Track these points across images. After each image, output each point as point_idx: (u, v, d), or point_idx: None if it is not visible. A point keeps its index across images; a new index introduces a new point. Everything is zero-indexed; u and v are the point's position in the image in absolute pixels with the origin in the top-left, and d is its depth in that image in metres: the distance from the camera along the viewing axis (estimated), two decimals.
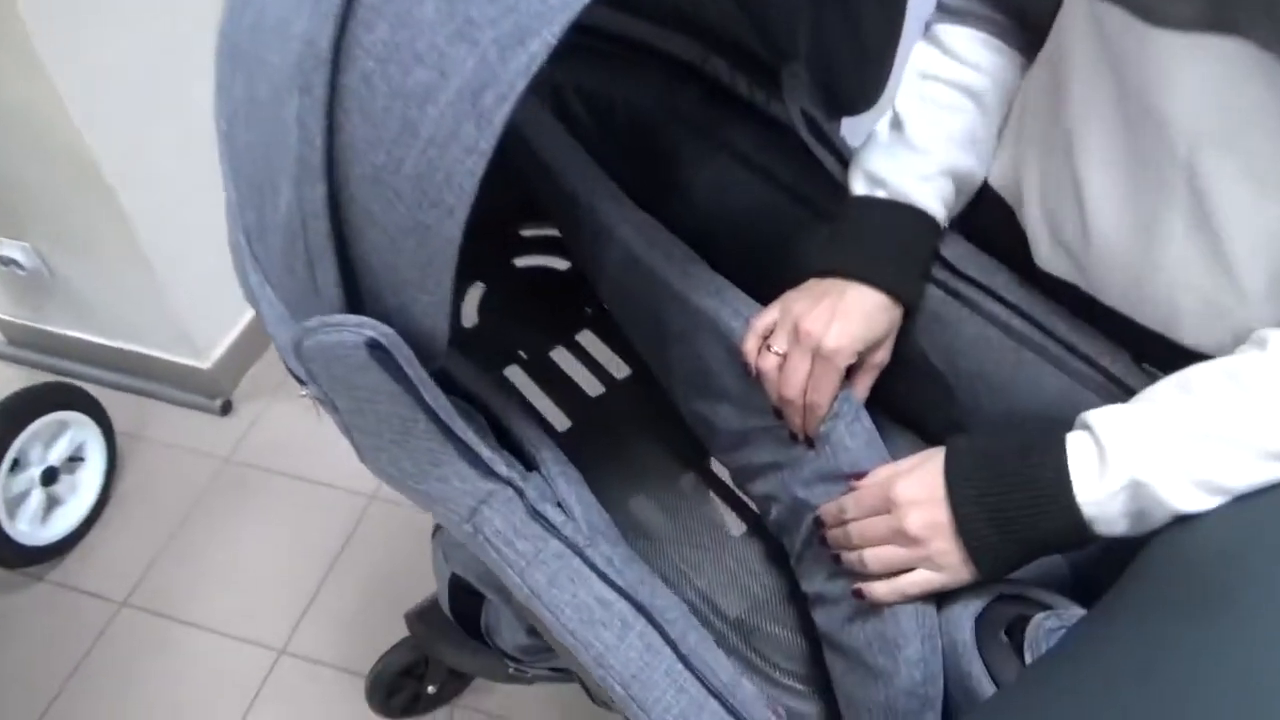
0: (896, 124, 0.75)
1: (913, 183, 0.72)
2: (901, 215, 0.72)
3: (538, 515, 0.62)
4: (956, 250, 0.76)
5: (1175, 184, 0.59)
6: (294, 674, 1.49)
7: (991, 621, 0.62)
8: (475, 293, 1.19)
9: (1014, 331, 0.72)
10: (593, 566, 0.60)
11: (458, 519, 0.66)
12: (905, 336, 0.76)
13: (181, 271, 1.64)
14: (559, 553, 0.60)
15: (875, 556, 0.63)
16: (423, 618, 1.32)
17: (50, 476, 1.58)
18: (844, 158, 0.79)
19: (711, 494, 0.93)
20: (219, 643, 1.53)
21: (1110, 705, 0.46)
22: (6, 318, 1.87)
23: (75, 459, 1.64)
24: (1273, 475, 0.51)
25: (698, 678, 0.57)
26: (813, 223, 0.84)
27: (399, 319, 0.56)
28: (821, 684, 0.75)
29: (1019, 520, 0.57)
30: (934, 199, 0.73)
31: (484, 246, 1.15)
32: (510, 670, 1.15)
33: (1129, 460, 0.54)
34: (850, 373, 0.71)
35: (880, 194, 0.73)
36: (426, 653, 1.38)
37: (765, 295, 0.76)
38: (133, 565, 1.62)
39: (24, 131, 1.43)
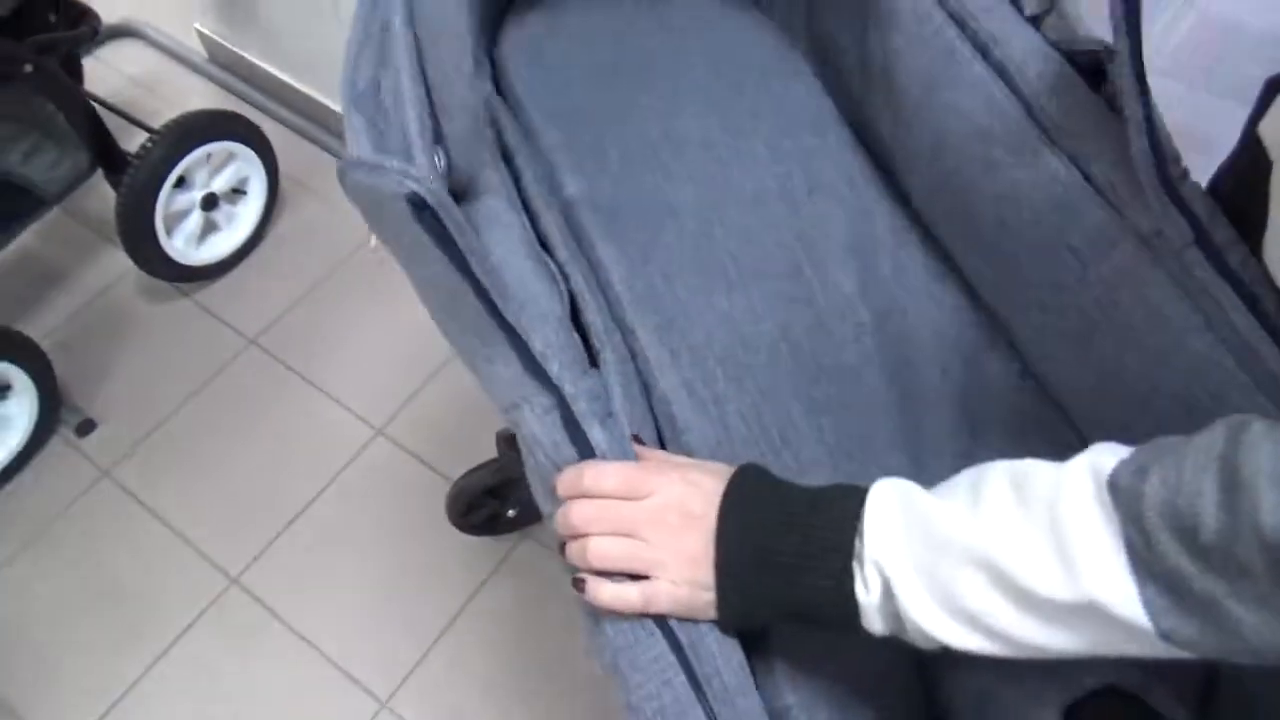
0: None
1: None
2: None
3: (579, 435, 0.53)
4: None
5: None
6: (384, 456, 1.50)
7: (1086, 714, 0.49)
8: None
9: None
10: None
11: (499, 407, 0.58)
12: None
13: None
14: None
15: (599, 546, 0.51)
16: (512, 442, 1.29)
17: (211, 202, 1.60)
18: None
19: None
20: (326, 405, 1.56)
21: None
22: (210, 33, 1.88)
23: (238, 191, 1.67)
24: (1029, 626, 0.42)
25: (690, 676, 0.49)
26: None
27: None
28: None
29: (781, 566, 0.48)
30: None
31: None
32: None
33: (880, 554, 0.46)
34: None
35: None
36: (511, 477, 1.36)
37: None
38: (270, 307, 1.66)
39: None
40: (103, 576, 1.39)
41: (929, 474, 0.67)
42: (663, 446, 0.67)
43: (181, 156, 1.50)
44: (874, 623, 0.47)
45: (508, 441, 1.31)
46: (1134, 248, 0.59)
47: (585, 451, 0.53)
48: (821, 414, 0.72)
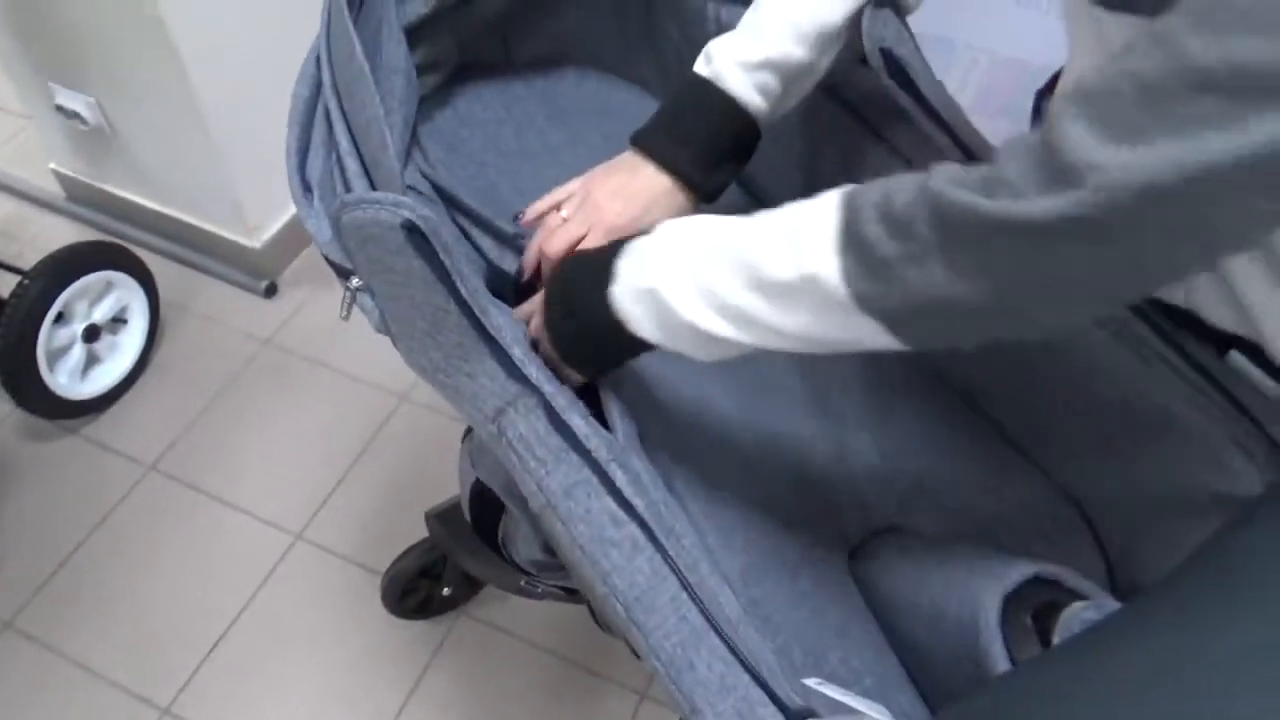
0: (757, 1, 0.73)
1: (733, 69, 0.71)
2: (714, 100, 0.72)
3: (562, 425, 0.60)
4: None
5: None
6: (308, 560, 1.50)
7: (1021, 602, 0.59)
8: None
9: None
10: (610, 484, 0.57)
11: (483, 419, 0.64)
12: None
13: (240, 146, 1.62)
14: (577, 466, 0.58)
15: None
16: (443, 519, 1.32)
17: (93, 334, 1.59)
18: (928, 102, 0.74)
19: None
20: (238, 519, 1.54)
21: (1133, 698, 0.43)
22: (67, 172, 1.87)
23: (119, 320, 1.65)
24: (768, 309, 0.53)
25: (701, 609, 0.55)
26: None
27: None
28: None
29: (579, 306, 0.63)
30: (750, 90, 0.71)
31: None
32: (522, 583, 1.15)
33: (652, 264, 0.59)
34: None
35: (705, 73, 0.73)
36: (444, 554, 1.38)
37: None
38: (164, 432, 1.63)
39: None
40: None
41: (853, 450, 0.77)
42: None
43: (58, 292, 1.49)
44: (643, 327, 0.59)
45: (439, 519, 1.34)
46: None
47: (569, 439, 0.59)
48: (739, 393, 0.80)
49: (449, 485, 1.14)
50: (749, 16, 0.73)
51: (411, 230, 0.55)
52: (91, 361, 1.62)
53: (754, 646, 0.55)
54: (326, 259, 0.71)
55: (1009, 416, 0.81)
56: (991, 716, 0.48)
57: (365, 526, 1.53)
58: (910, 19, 0.75)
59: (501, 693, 1.37)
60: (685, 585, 0.55)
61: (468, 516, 1.11)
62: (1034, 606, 0.59)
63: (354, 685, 1.38)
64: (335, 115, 0.73)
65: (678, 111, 0.74)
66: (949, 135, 0.72)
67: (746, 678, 0.53)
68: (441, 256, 0.57)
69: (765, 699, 0.52)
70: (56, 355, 1.54)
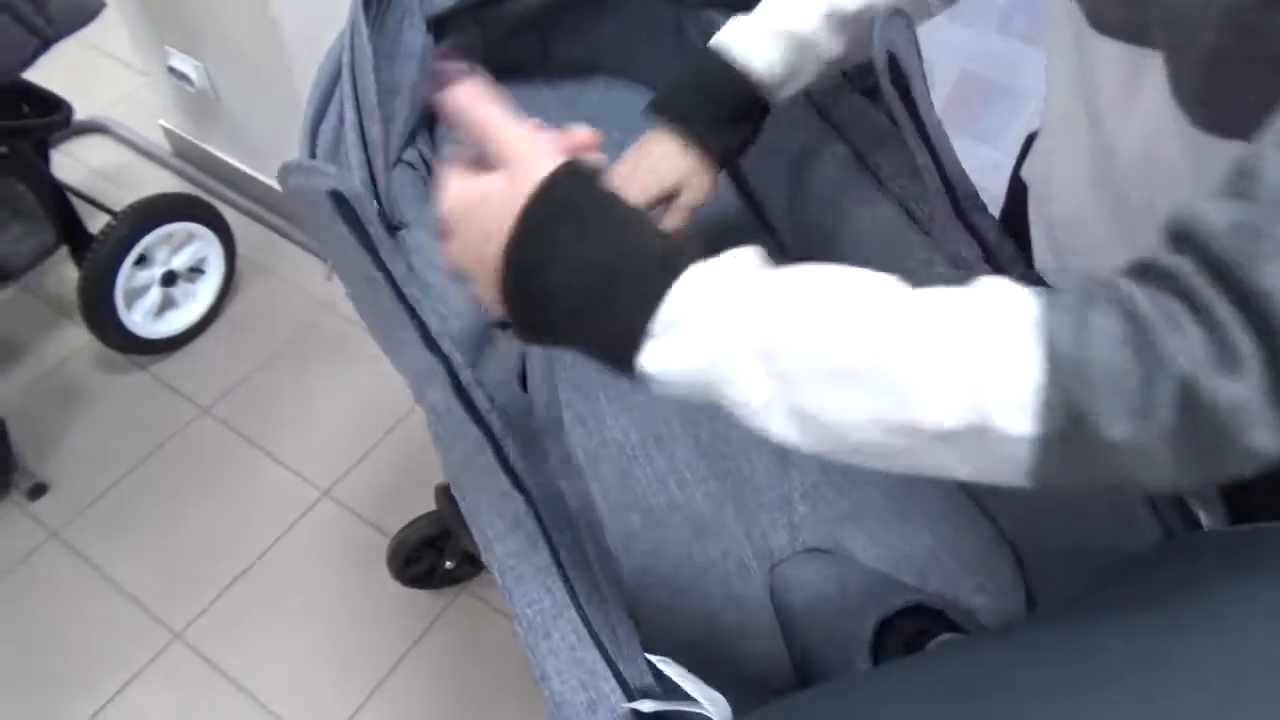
0: None
1: (740, 37, 0.75)
2: (717, 64, 0.75)
3: (463, 397, 0.63)
4: None
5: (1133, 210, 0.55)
6: (330, 517, 1.57)
7: (898, 628, 0.59)
8: None
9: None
10: (503, 459, 0.60)
11: (413, 391, 0.68)
12: None
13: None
14: (476, 438, 0.61)
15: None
16: (448, 493, 1.37)
17: (170, 279, 1.70)
18: (920, 117, 0.74)
19: None
20: (274, 469, 1.63)
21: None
22: (174, 129, 2.01)
23: (196, 270, 1.77)
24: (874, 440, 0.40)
25: (565, 582, 0.57)
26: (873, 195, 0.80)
27: None
28: None
29: (590, 264, 0.44)
30: (754, 55, 0.74)
31: None
32: None
33: (709, 331, 0.42)
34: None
35: (713, 42, 0.76)
36: (447, 526, 1.43)
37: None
38: (223, 379, 1.74)
39: None
40: (44, 632, 1.43)
41: (793, 473, 0.78)
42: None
43: (142, 235, 1.61)
44: (675, 388, 0.43)
45: (445, 493, 1.39)
46: (945, 266, 0.71)
47: (470, 410, 0.62)
48: (695, 425, 0.82)
49: None
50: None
51: (339, 199, 0.60)
52: (167, 305, 1.74)
53: (617, 622, 0.57)
54: None
55: None
56: (791, 711, 0.48)
57: (389, 493, 1.60)
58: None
59: (490, 673, 1.41)
60: (557, 560, 0.58)
61: None
62: (911, 633, 0.60)
63: (352, 641, 1.44)
64: (347, 93, 0.78)
65: (684, 74, 0.78)
66: (932, 157, 0.72)
67: (595, 653, 0.55)
68: (365, 225, 0.61)
69: (609, 674, 0.54)
70: (135, 295, 1.66)
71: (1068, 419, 0.36)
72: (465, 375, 0.62)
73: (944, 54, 1.39)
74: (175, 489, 1.60)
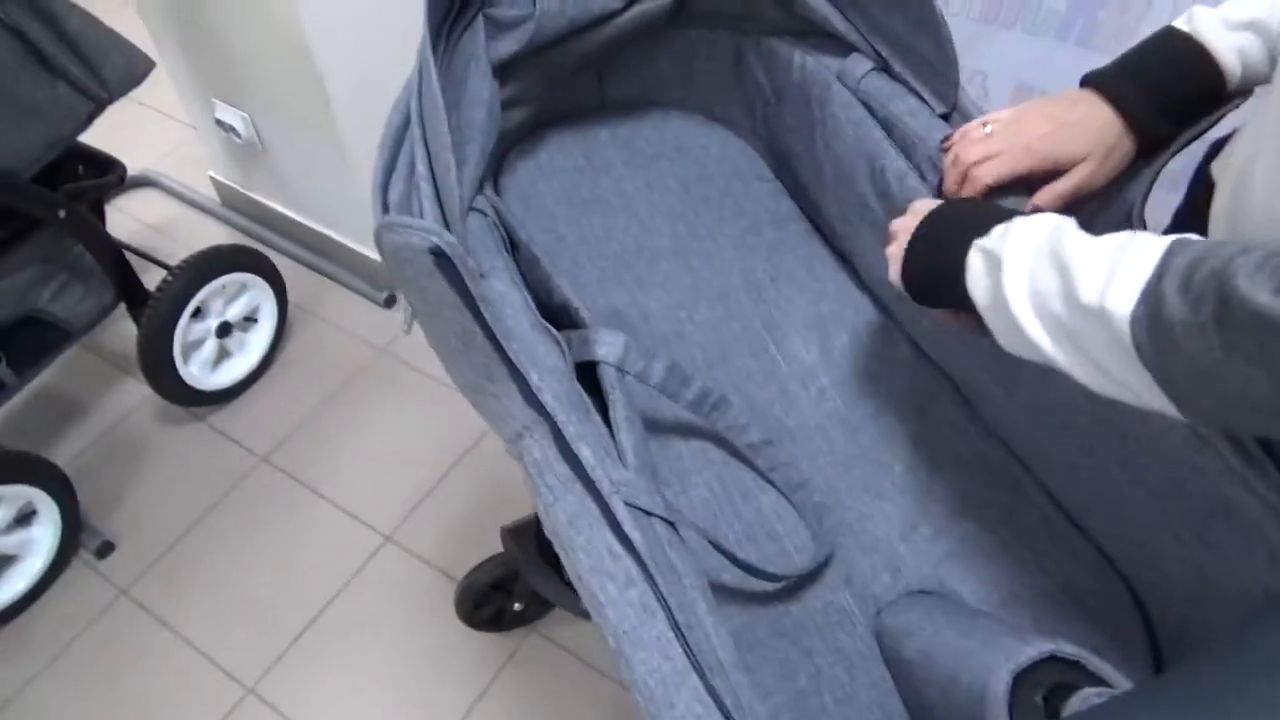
0: None
1: (1212, 24, 0.70)
2: (1184, 49, 0.70)
3: (569, 454, 0.61)
4: None
5: None
6: (395, 562, 1.56)
7: (1035, 680, 0.56)
8: None
9: None
10: (610, 517, 0.58)
11: (506, 440, 0.66)
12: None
13: (371, 163, 1.72)
14: (581, 496, 0.60)
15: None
16: (516, 535, 1.35)
17: (225, 330, 1.71)
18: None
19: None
20: (336, 516, 1.62)
21: None
22: (223, 179, 2.03)
23: (250, 319, 1.78)
24: (1073, 338, 0.54)
25: (685, 649, 0.55)
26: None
27: None
28: None
29: (939, 240, 0.66)
30: (1227, 47, 0.69)
31: None
32: (582, 606, 1.16)
33: (1010, 240, 0.59)
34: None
35: (1185, 27, 0.71)
36: (517, 570, 1.42)
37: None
38: (280, 426, 1.74)
39: (251, 9, 1.54)
40: (121, 692, 1.43)
41: (890, 511, 0.76)
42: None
43: (198, 289, 1.61)
44: (975, 287, 0.61)
45: (512, 534, 1.38)
46: None
47: (576, 468, 0.61)
48: (776, 471, 0.80)
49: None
50: None
51: (439, 256, 0.59)
52: (222, 355, 1.74)
53: (741, 694, 0.55)
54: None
55: (1063, 486, 0.78)
56: None
57: (452, 535, 1.59)
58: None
59: (563, 715, 1.39)
60: (674, 624, 0.56)
61: (537, 537, 1.15)
62: (1047, 686, 0.57)
63: (424, 687, 1.43)
64: (417, 142, 0.78)
65: (1142, 54, 0.73)
66: None
67: None
68: (467, 282, 0.60)
69: None
70: (191, 347, 1.67)
71: (1153, 300, 0.48)
72: (570, 431, 0.61)
73: (999, 64, 1.36)
74: (239, 540, 1.60)
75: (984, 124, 0.76)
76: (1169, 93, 0.71)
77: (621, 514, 0.58)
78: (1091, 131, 0.71)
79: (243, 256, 1.72)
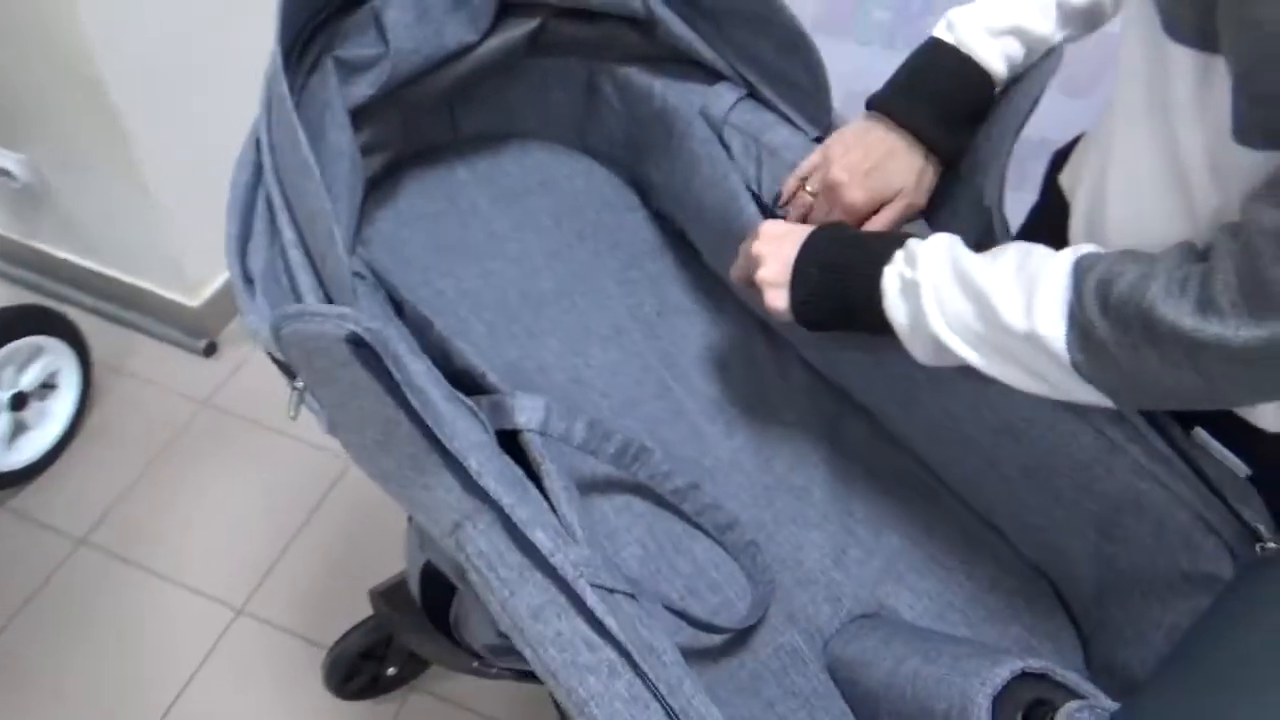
0: None
1: (977, 34, 0.72)
2: (954, 63, 0.72)
3: (524, 542, 0.57)
4: None
5: (1198, 215, 0.57)
6: (252, 636, 1.44)
7: (1011, 700, 0.57)
8: None
9: None
10: (579, 604, 0.54)
11: (440, 532, 0.61)
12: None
13: (179, 203, 1.57)
14: (543, 586, 0.55)
15: (734, 267, 0.77)
16: (388, 598, 1.27)
17: (19, 401, 1.51)
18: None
19: None
20: (176, 594, 1.47)
21: None
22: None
23: (48, 386, 1.58)
24: (998, 350, 0.59)
25: None
26: None
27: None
28: None
29: (838, 269, 0.67)
30: (994, 55, 0.72)
31: None
32: (474, 665, 1.11)
33: (920, 267, 0.62)
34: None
35: (949, 39, 0.73)
36: (390, 634, 1.34)
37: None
38: (96, 502, 1.56)
39: (32, 42, 1.36)
40: None
41: (818, 539, 0.75)
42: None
43: None
44: (895, 311, 0.64)
45: (384, 597, 1.30)
46: None
47: (532, 555, 0.56)
48: (704, 515, 0.79)
49: (397, 555, 1.10)
50: None
51: (358, 344, 0.53)
52: (18, 430, 1.54)
53: None
54: (270, 356, 0.68)
55: (972, 493, 0.80)
56: None
57: (311, 598, 1.48)
58: None
59: None
60: (669, 712, 0.53)
61: (416, 598, 1.08)
62: (1023, 705, 0.58)
63: None
64: (278, 204, 0.70)
65: (915, 72, 0.75)
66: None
67: None
68: (391, 369, 0.54)
69: None
70: None
71: (1078, 324, 0.54)
72: (520, 516, 0.56)
73: (832, 74, 1.40)
74: (61, 638, 1.42)
75: (803, 183, 0.79)
76: (952, 107, 0.74)
77: (592, 600, 0.54)
78: (900, 166, 0.74)
79: (31, 317, 1.53)
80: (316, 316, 0.53)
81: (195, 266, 1.70)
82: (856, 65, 1.38)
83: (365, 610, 1.32)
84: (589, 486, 0.77)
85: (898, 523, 0.80)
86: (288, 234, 0.69)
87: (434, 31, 0.83)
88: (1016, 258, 0.60)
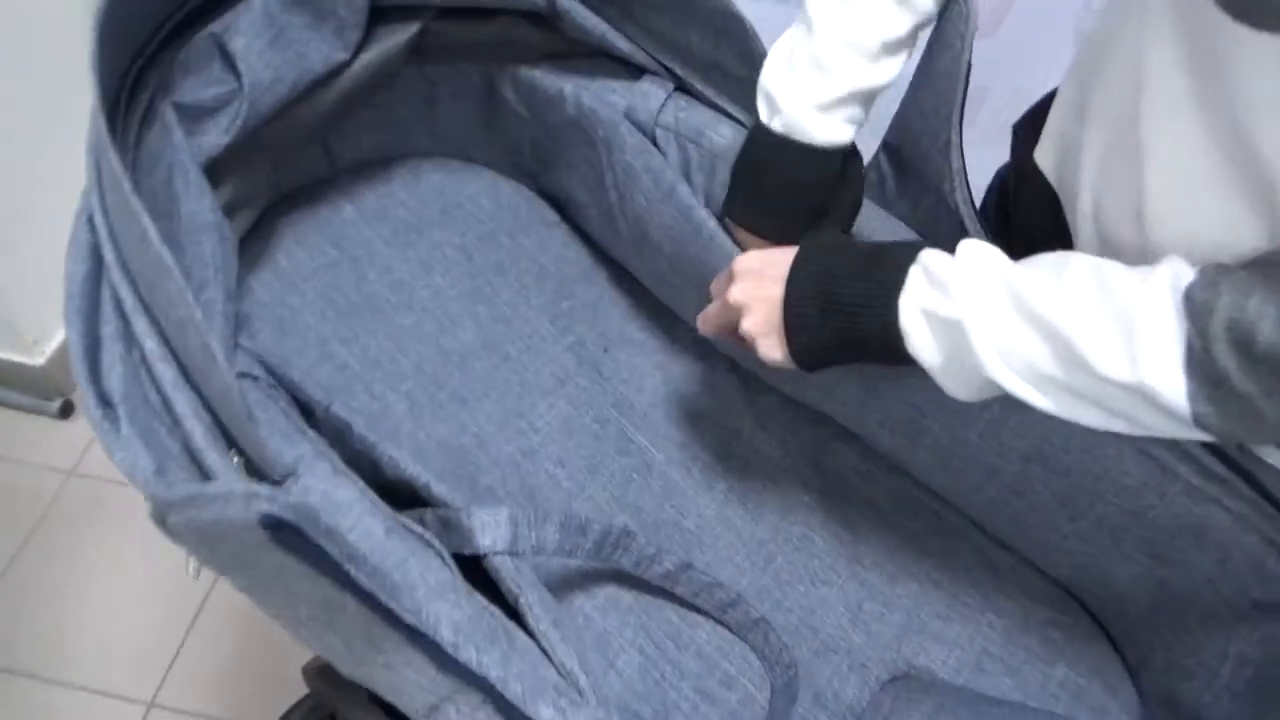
0: (806, 25, 0.63)
1: (810, 114, 0.63)
2: (795, 157, 0.65)
3: (520, 718, 0.46)
4: None
5: (1260, 210, 0.50)
6: None
7: None
8: None
9: None
10: None
11: (412, 712, 0.49)
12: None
13: (7, 254, 1.36)
14: None
15: (704, 315, 0.66)
16: (325, 675, 1.14)
17: None
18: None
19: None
20: (75, 699, 1.30)
21: None
22: None
23: None
24: (1080, 396, 0.51)
25: None
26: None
27: None
28: None
29: (843, 309, 0.57)
30: (835, 129, 0.64)
31: None
32: None
33: (960, 299, 0.52)
34: None
35: (777, 125, 0.64)
36: (332, 712, 1.20)
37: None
38: None
39: None
40: None
41: (829, 596, 0.66)
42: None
43: None
44: (925, 352, 0.54)
45: (320, 675, 1.16)
46: None
47: None
48: (700, 595, 0.69)
49: None
50: (800, 46, 0.62)
51: (274, 527, 0.40)
52: None
53: None
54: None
55: (986, 518, 0.73)
56: None
57: (228, 679, 1.32)
58: None
59: None
60: None
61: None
62: None
63: None
64: (131, 305, 0.55)
65: (758, 175, 0.67)
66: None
67: None
68: (326, 547, 0.41)
69: None
70: None
71: (1209, 376, 0.46)
72: (514, 691, 0.45)
73: None
74: None
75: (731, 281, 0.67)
76: (809, 202, 0.66)
77: None
78: (787, 255, 0.64)
79: None
80: (216, 500, 0.40)
81: (32, 322, 1.48)
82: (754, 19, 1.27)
83: (289, 679, 1.17)
84: (562, 586, 0.66)
85: (908, 561, 0.72)
86: (149, 344, 0.54)
87: (295, 55, 0.68)
88: (1092, 282, 0.50)
